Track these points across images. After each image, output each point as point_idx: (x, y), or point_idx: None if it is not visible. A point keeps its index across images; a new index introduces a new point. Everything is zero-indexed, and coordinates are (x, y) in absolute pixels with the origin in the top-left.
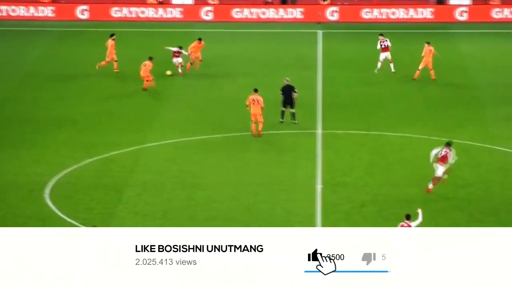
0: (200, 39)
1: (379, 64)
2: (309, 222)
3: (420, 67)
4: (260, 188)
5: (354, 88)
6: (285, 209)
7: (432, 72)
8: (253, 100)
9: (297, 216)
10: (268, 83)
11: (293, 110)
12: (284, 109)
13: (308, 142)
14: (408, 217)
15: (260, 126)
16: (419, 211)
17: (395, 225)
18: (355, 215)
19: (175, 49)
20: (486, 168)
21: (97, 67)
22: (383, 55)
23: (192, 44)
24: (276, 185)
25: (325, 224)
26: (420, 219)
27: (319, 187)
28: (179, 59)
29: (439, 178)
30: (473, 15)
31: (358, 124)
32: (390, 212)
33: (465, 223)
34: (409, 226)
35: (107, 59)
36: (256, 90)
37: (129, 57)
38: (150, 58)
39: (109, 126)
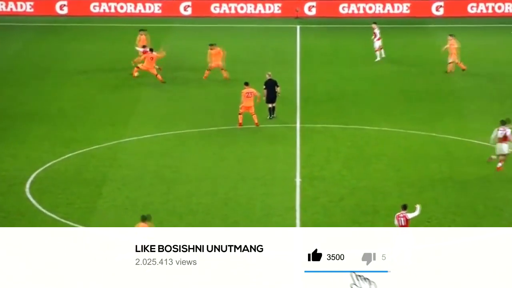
0: (211, 45)
1: (378, 54)
2: (288, 215)
3: (457, 60)
4: (238, 182)
5: (332, 82)
6: (263, 203)
7: (451, 65)
8: (248, 93)
9: (275, 209)
10: (246, 78)
11: (273, 104)
12: (270, 105)
13: (286, 136)
14: (404, 207)
15: (256, 118)
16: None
17: (373, 219)
18: (333, 208)
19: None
20: (462, 162)
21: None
22: (376, 44)
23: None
24: (254, 179)
25: (303, 217)
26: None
27: (297, 180)
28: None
29: (505, 155)
30: (449, 10)
31: (336, 118)
32: (368, 205)
33: (441, 215)
34: (405, 216)
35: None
36: (247, 83)
37: (108, 52)
38: (151, 50)
39: (88, 121)
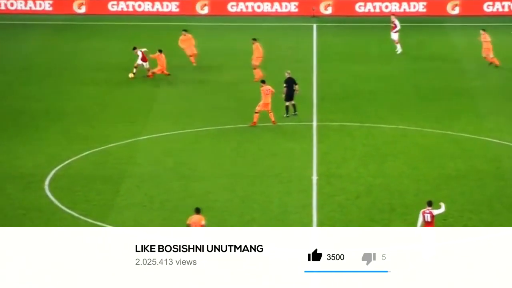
0: (254, 39)
1: (398, 46)
2: (304, 213)
3: (491, 54)
4: (255, 179)
5: (348, 80)
6: (280, 200)
7: (491, 59)
8: (268, 90)
9: (292, 207)
10: (264, 76)
11: (293, 102)
12: (288, 103)
13: (303, 134)
14: (429, 204)
15: (273, 116)
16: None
17: (389, 216)
18: (350, 206)
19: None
20: (478, 160)
21: (194, 64)
22: (394, 35)
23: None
24: (271, 177)
25: (320, 215)
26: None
27: (314, 178)
28: (144, 63)
29: None
30: (465, 8)
31: (352, 116)
32: (384, 203)
33: (457, 213)
34: (431, 212)
35: (193, 51)
36: (263, 81)
37: (125, 50)
38: (160, 51)
39: (105, 119)
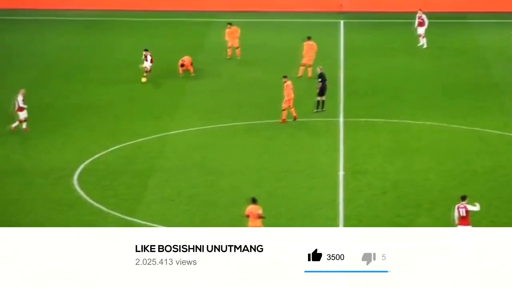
0: (309, 37)
1: (421, 40)
2: (331, 208)
3: None
4: (282, 175)
5: (375, 76)
6: (307, 195)
7: None
8: (290, 85)
9: (319, 202)
10: (290, 72)
11: (323, 98)
12: (319, 98)
13: (330, 129)
14: (463, 198)
15: (294, 111)
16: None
17: (415, 212)
18: (376, 201)
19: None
20: (504, 156)
21: (228, 56)
22: (420, 30)
23: (305, 47)
24: (298, 172)
25: (346, 211)
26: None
27: (341, 173)
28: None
29: None
30: (492, 4)
31: (378, 112)
32: (411, 198)
33: (484, 209)
34: (465, 207)
35: (234, 44)
36: (285, 77)
37: (153, 46)
38: (182, 66)
39: (134, 114)
